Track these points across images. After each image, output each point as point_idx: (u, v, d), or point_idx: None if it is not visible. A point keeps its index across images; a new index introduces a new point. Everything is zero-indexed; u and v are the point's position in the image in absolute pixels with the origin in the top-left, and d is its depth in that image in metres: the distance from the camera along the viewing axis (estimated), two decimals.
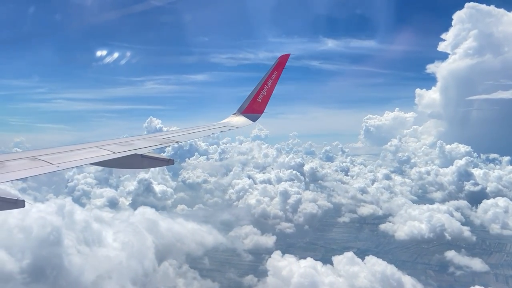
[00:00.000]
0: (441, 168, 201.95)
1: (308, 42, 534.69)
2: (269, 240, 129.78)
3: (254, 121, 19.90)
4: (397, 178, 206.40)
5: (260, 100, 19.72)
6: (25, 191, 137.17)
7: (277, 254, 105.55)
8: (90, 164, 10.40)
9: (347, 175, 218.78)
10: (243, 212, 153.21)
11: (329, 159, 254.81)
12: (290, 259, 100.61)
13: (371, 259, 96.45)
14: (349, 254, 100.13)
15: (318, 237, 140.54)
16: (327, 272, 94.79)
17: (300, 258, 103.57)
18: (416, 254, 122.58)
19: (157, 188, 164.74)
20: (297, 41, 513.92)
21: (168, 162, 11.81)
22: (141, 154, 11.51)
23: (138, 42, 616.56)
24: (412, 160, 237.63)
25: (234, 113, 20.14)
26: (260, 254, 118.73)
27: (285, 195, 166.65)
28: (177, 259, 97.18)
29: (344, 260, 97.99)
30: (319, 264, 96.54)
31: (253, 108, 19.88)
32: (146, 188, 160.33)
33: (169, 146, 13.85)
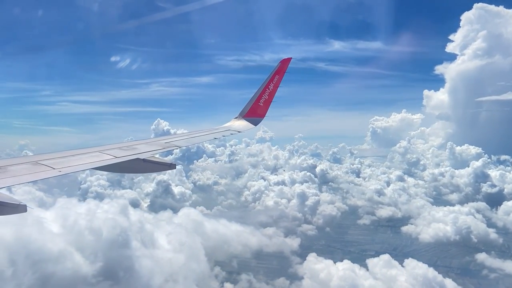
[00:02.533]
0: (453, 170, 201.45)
1: (314, 44, 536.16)
2: (293, 242, 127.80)
3: (255, 125, 19.72)
4: (410, 180, 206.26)
5: (262, 104, 19.55)
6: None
7: (312, 257, 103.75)
8: (92, 169, 10.31)
9: (359, 177, 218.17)
10: (263, 214, 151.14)
11: (337, 161, 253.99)
12: (326, 261, 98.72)
13: (411, 262, 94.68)
14: (385, 257, 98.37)
15: (342, 239, 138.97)
16: (365, 275, 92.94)
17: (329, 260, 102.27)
18: (444, 257, 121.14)
19: (175, 189, 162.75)
20: (303, 42, 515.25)
21: (170, 166, 11.71)
22: (143, 159, 11.38)
23: (144, 45, 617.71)
24: (421, 162, 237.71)
25: (236, 117, 19.95)
26: (287, 257, 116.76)
27: (303, 197, 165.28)
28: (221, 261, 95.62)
29: (381, 263, 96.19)
30: (356, 266, 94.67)
31: (254, 112, 19.72)
32: (165, 189, 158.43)
33: (175, 149, 13.72)
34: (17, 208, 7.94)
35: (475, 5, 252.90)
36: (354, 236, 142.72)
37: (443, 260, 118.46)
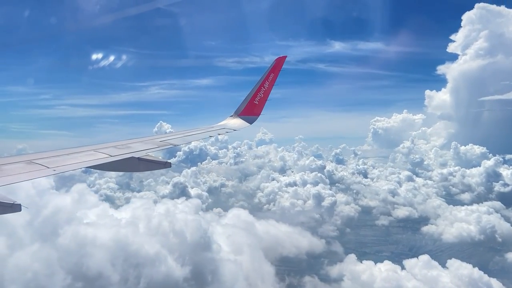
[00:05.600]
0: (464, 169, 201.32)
1: (315, 45, 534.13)
2: (318, 243, 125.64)
3: (251, 123, 19.69)
4: (418, 180, 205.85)
5: (257, 103, 19.47)
6: None
7: (351, 258, 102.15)
8: (87, 167, 10.29)
9: (366, 178, 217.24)
10: (280, 215, 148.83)
11: (340, 162, 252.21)
12: (367, 262, 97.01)
13: (454, 262, 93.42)
14: (425, 258, 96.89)
15: (365, 240, 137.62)
16: (407, 276, 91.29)
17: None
18: (472, 256, 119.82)
19: (192, 191, 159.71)
20: (303, 44, 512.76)
21: (165, 165, 11.67)
22: (138, 157, 11.34)
23: (143, 47, 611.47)
24: (425, 162, 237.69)
25: (231, 115, 19.90)
26: (318, 258, 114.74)
27: (318, 198, 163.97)
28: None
29: (420, 264, 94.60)
30: (397, 268, 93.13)
31: (250, 111, 19.65)
32: (182, 191, 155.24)
33: (171, 147, 13.64)
34: (12, 207, 7.85)
35: (477, 5, 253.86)
36: (376, 237, 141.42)
37: (472, 260, 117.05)
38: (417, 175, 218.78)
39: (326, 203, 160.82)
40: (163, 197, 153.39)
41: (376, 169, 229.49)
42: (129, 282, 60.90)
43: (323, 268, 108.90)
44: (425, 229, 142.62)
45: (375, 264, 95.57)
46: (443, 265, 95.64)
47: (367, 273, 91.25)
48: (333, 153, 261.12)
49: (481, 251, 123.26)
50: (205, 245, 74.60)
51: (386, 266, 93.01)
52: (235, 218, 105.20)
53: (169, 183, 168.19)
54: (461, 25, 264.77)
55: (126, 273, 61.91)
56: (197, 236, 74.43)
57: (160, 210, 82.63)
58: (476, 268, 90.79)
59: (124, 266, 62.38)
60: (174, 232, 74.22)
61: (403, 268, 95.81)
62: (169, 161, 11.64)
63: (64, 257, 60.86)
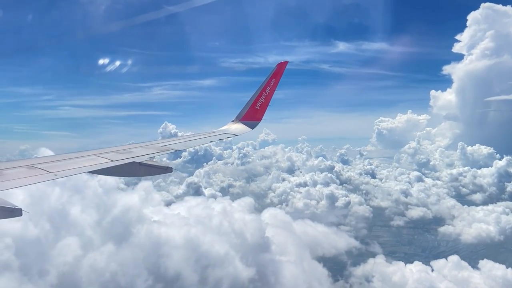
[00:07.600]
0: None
1: (319, 45, 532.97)
2: (337, 243, 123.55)
3: (252, 128, 19.77)
4: (427, 181, 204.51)
5: (259, 108, 19.52)
6: None
7: (380, 259, 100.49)
8: (88, 172, 10.34)
9: (375, 178, 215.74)
10: (296, 215, 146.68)
11: (345, 162, 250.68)
12: (398, 264, 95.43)
13: (486, 263, 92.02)
14: (454, 258, 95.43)
15: (383, 241, 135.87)
16: (438, 277, 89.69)
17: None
18: (495, 257, 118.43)
19: (206, 192, 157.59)
20: (307, 44, 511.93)
21: (166, 169, 11.65)
22: (139, 162, 11.44)
23: (146, 48, 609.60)
24: (431, 163, 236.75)
25: (233, 120, 19.96)
26: (337, 259, 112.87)
27: (332, 198, 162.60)
28: None
29: (450, 265, 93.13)
30: (428, 269, 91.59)
31: (251, 116, 19.73)
32: (196, 191, 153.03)
33: (171, 152, 13.69)
34: (12, 212, 7.83)
35: (482, 5, 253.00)
36: (394, 238, 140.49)
37: (497, 260, 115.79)
38: (425, 175, 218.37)
39: (340, 203, 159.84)
40: (177, 197, 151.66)
41: (385, 169, 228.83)
42: (207, 283, 59.02)
43: (347, 269, 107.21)
44: (442, 229, 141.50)
45: (405, 265, 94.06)
46: (472, 266, 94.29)
47: (398, 274, 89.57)
48: (337, 154, 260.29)
49: (502, 252, 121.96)
50: (264, 245, 72.92)
51: (415, 267, 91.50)
52: (272, 218, 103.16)
53: (179, 183, 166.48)
54: (467, 25, 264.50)
55: (197, 273, 60.14)
56: (257, 237, 72.82)
57: (217, 208, 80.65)
58: (510, 269, 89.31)
59: (196, 266, 60.64)
60: (235, 232, 72.69)
61: (431, 269, 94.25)
62: (170, 166, 11.57)
63: (141, 256, 59.28)
